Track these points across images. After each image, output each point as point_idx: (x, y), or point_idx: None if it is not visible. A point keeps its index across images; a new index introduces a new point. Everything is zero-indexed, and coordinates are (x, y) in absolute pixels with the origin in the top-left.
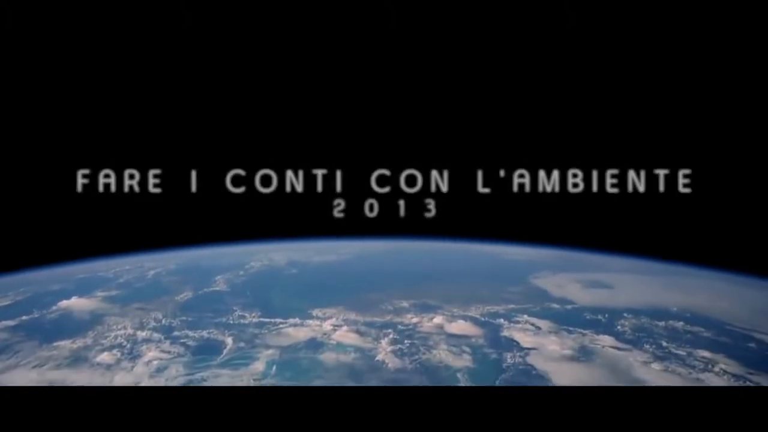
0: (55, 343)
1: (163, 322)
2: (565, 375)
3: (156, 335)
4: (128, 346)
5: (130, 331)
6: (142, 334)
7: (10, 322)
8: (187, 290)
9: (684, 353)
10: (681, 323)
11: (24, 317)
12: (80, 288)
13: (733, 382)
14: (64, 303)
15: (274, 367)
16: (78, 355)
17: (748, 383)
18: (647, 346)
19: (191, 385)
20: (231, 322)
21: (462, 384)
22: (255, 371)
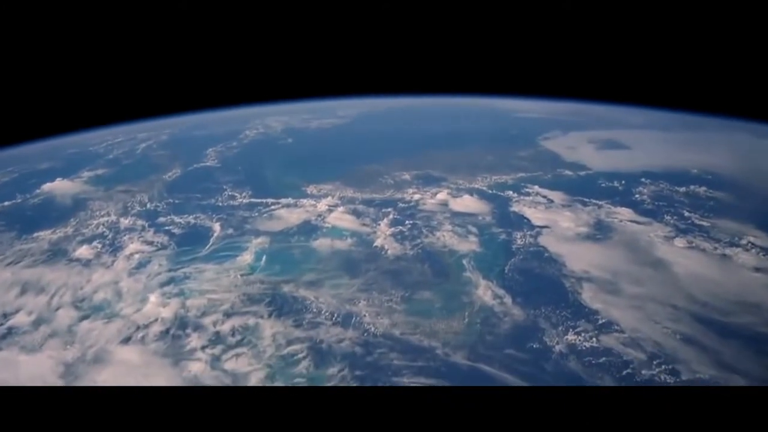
0: (34, 234)
1: (149, 206)
2: (579, 258)
3: (140, 222)
4: (110, 236)
5: (113, 218)
6: (125, 222)
7: None
8: (176, 167)
9: (708, 224)
10: (703, 188)
11: (6, 203)
12: (68, 166)
13: (762, 257)
14: (47, 186)
15: (264, 259)
16: (56, 249)
17: None
18: (668, 218)
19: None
20: (220, 204)
21: (468, 273)
22: (242, 264)
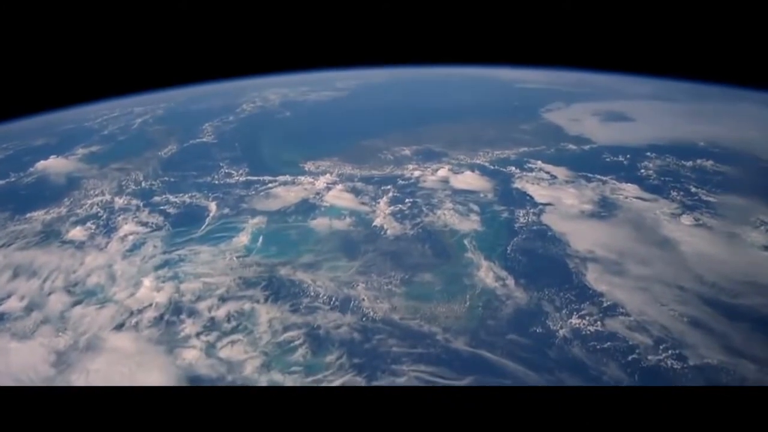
0: (27, 215)
1: (144, 184)
2: (584, 237)
3: (134, 202)
4: (104, 216)
5: (107, 197)
6: (119, 201)
7: None
8: (173, 143)
9: (715, 200)
10: (710, 162)
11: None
12: (62, 143)
13: None
14: (41, 164)
15: (260, 239)
16: (50, 230)
17: None
18: (674, 194)
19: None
20: (216, 182)
21: (469, 254)
22: (238, 246)
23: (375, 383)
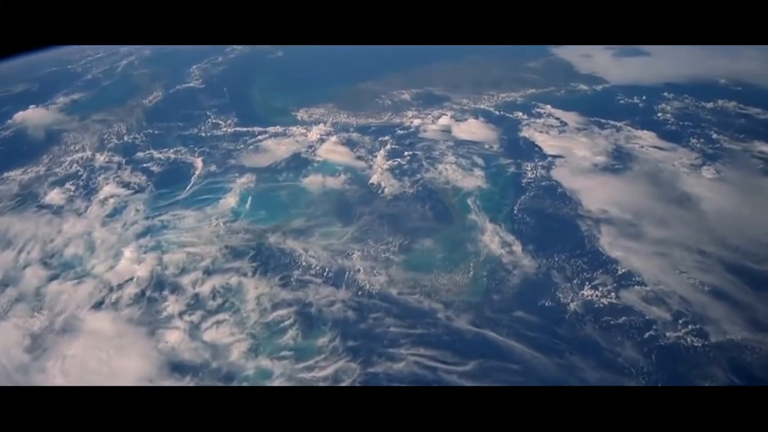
0: (4, 175)
1: (126, 138)
2: (597, 195)
3: (116, 159)
4: (84, 176)
5: (88, 153)
6: (100, 159)
7: None
8: (158, 89)
9: (739, 148)
10: (732, 103)
11: None
12: (43, 89)
13: None
14: (20, 115)
15: (249, 201)
16: (27, 192)
17: None
18: (694, 140)
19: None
20: (203, 134)
21: (473, 216)
22: (225, 209)
23: (371, 370)
